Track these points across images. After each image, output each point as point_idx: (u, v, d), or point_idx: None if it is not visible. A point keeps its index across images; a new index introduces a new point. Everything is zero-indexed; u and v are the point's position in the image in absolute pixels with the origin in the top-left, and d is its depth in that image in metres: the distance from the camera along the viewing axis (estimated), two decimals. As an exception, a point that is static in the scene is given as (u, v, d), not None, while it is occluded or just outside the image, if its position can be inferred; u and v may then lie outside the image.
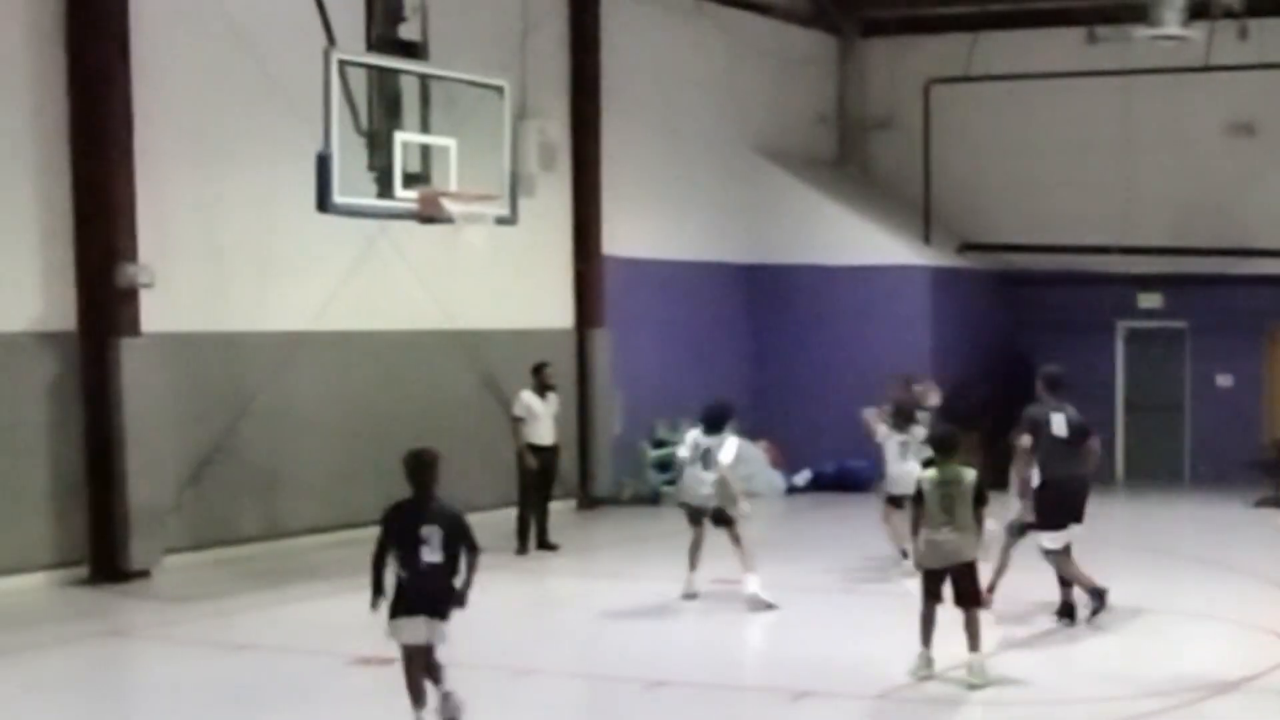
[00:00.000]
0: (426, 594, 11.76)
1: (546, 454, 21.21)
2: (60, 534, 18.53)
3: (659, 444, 26.51)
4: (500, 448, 21.60)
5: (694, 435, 17.82)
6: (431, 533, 11.71)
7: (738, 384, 28.21)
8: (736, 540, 17.51)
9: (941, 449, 14.25)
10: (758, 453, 27.58)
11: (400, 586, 11.77)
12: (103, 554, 18.73)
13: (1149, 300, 29.90)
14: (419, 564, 11.68)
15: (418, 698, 12.08)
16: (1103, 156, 30.05)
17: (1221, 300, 29.11)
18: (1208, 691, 13.42)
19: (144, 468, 18.89)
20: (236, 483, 20.30)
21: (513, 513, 21.11)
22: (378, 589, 11.81)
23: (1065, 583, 16.27)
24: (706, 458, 17.60)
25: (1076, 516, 16.32)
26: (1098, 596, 16.15)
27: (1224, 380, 29.26)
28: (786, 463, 27.02)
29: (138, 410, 18.80)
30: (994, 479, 28.54)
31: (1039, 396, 16.78)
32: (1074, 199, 30.14)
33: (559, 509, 22.65)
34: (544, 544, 21.16)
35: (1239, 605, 17.09)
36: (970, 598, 13.91)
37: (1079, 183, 30.19)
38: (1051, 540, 16.17)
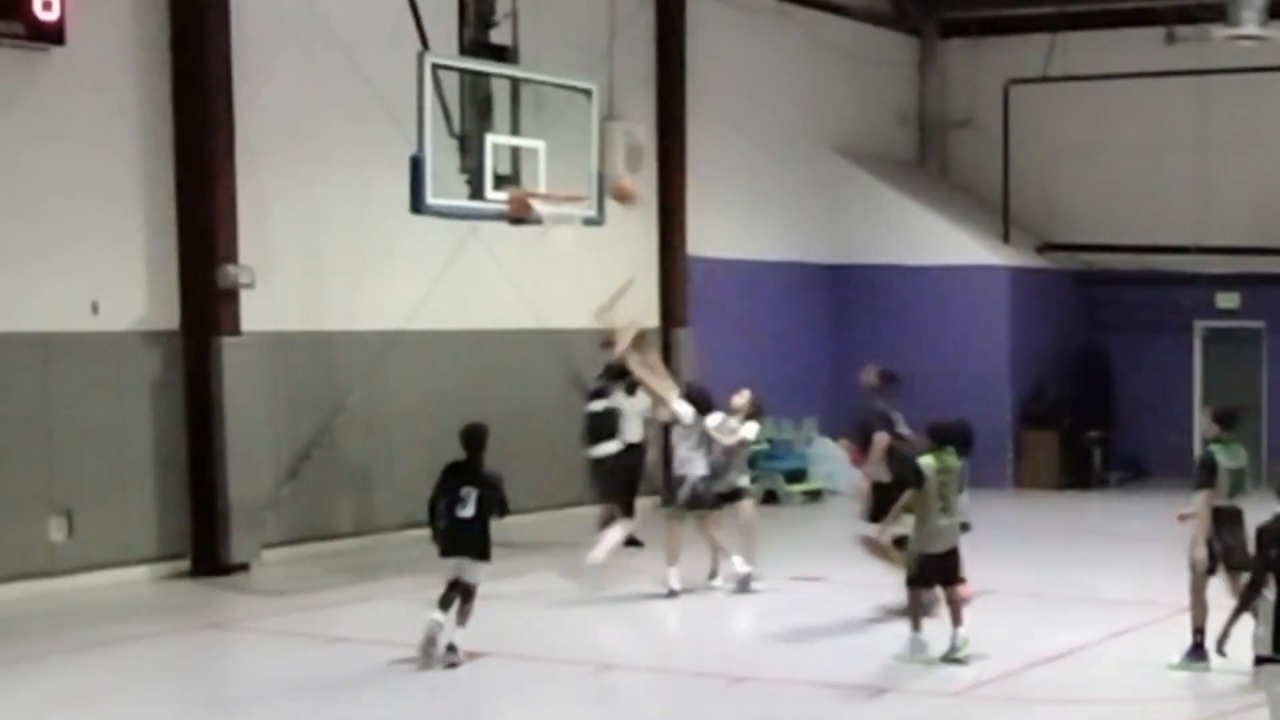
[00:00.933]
0: (458, 540, 14.60)
1: (632, 451, 21.40)
2: (163, 528, 18.94)
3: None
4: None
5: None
6: (469, 493, 14.55)
7: (818, 383, 28.45)
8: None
9: (940, 439, 14.86)
10: (838, 452, 27.77)
11: (442, 532, 14.68)
12: (203, 548, 19.11)
13: (1227, 300, 29.74)
14: (455, 516, 14.57)
15: (443, 606, 14.63)
16: (1181, 156, 30.03)
17: (1300, 300, 29.20)
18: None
19: (243, 464, 19.25)
20: (332, 479, 20.69)
21: (599, 509, 21.40)
22: (434, 530, 14.82)
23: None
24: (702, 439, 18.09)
25: None
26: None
27: (1302, 380, 29.32)
28: (867, 462, 27.12)
29: (238, 408, 19.17)
30: (1071, 479, 28.77)
31: (871, 395, 17.57)
32: (1152, 199, 30.12)
33: (643, 506, 22.86)
34: (628, 540, 21.41)
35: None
36: (957, 579, 14.76)
37: (1157, 182, 30.17)
38: (879, 532, 16.67)
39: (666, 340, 25.54)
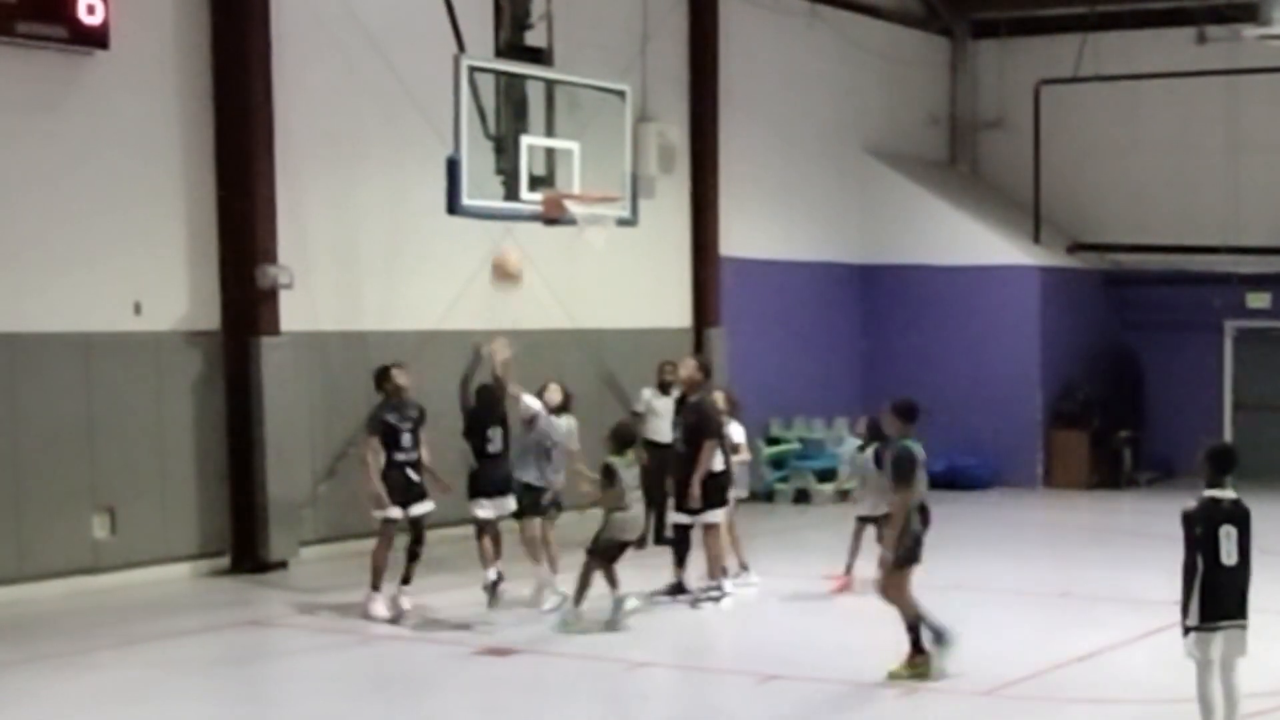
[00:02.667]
0: (494, 479, 16.73)
1: (665, 450, 21.48)
2: (203, 526, 19.15)
3: (773, 441, 26.91)
4: (621, 444, 21.97)
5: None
6: (495, 433, 16.76)
7: (849, 382, 28.57)
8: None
9: (624, 441, 16.66)
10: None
11: (473, 473, 16.66)
12: (243, 545, 19.33)
13: (1257, 300, 29.74)
14: (488, 455, 16.75)
15: (484, 561, 16.63)
16: (1211, 156, 30.02)
17: (1331, 299, 29.20)
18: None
19: (282, 462, 19.45)
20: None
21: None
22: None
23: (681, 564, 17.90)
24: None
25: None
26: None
27: (1334, 379, 29.30)
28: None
29: (277, 407, 19.38)
30: (1101, 479, 28.76)
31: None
32: (1182, 199, 30.14)
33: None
34: (661, 538, 21.52)
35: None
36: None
37: (1187, 182, 30.19)
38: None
39: (699, 340, 25.64)
